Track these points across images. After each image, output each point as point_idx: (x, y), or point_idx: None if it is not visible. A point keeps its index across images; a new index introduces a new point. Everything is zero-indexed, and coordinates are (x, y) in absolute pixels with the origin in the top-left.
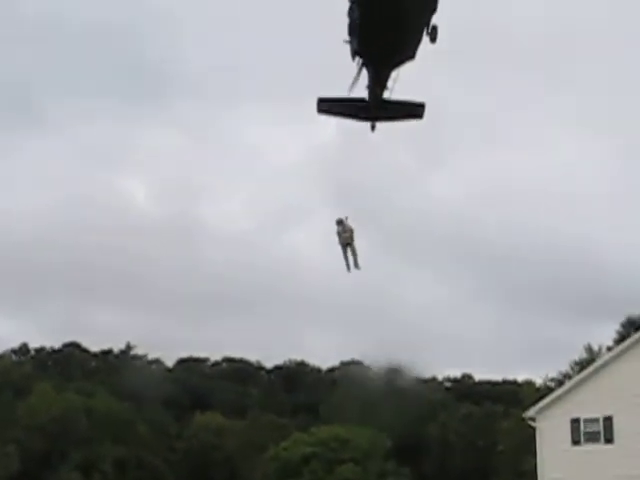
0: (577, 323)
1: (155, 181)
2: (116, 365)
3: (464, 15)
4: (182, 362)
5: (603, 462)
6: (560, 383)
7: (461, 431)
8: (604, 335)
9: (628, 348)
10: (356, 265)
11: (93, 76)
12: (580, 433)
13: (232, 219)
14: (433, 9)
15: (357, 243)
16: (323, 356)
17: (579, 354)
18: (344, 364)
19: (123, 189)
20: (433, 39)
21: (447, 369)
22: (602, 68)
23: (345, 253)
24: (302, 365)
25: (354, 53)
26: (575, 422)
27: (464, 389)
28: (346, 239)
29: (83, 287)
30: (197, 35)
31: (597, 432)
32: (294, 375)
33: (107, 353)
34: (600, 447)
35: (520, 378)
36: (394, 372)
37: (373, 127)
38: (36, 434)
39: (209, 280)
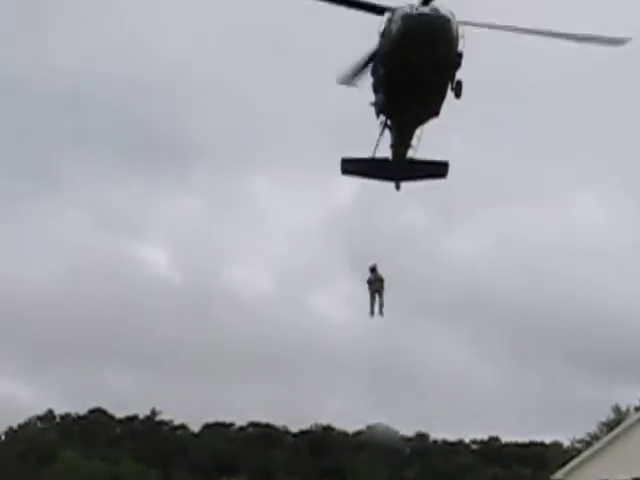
0: (604, 383)
1: (173, 246)
2: (142, 431)
3: (482, 73)
4: (208, 427)
5: None
6: (588, 444)
7: None
8: (632, 395)
9: None
10: (381, 313)
11: (108, 147)
12: None
13: (253, 283)
14: (457, 64)
15: (385, 294)
16: (349, 420)
17: (607, 415)
18: (370, 427)
19: (143, 255)
20: (458, 95)
21: (473, 431)
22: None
23: (373, 299)
24: (328, 429)
25: (378, 112)
26: None
27: (491, 452)
28: (377, 287)
29: (108, 353)
30: (208, 100)
31: None
32: (320, 439)
33: (132, 419)
34: None
35: (547, 440)
36: (420, 435)
37: (398, 187)
38: None
39: (233, 344)
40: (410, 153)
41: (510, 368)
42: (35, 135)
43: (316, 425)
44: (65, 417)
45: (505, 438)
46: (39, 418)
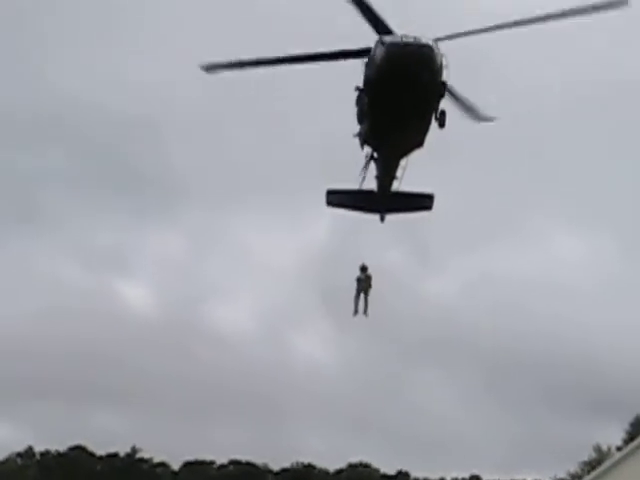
0: (585, 423)
1: (155, 284)
2: (122, 468)
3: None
4: (188, 465)
5: None
6: None
7: None
8: (613, 435)
9: (638, 447)
10: (365, 313)
11: (92, 185)
12: None
13: (236, 321)
14: (441, 94)
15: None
16: (330, 458)
17: (588, 454)
18: (351, 466)
19: (126, 292)
20: (442, 124)
21: (454, 470)
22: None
23: (357, 298)
24: (309, 467)
25: (362, 142)
26: None
27: None
28: (365, 286)
29: (88, 391)
30: (192, 137)
31: None
32: (301, 477)
33: (113, 456)
34: None
35: (529, 479)
36: (402, 474)
37: (382, 219)
38: None
39: (212, 383)
40: (395, 185)
41: (491, 406)
42: (18, 173)
43: (297, 463)
44: (45, 454)
45: (486, 476)
46: (19, 455)
